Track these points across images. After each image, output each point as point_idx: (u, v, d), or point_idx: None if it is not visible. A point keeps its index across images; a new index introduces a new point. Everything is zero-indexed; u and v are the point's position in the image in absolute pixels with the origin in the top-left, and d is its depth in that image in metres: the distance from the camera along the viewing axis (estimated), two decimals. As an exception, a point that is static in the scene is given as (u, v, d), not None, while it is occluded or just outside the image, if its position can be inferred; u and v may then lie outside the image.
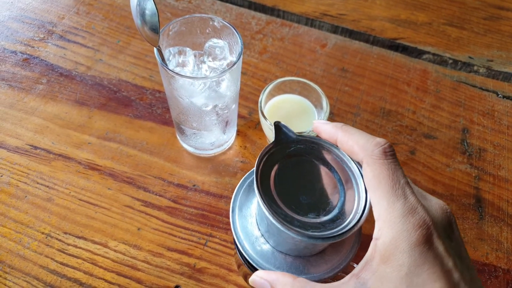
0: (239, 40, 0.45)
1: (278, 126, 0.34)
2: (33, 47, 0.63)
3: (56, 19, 0.67)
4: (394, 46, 0.68)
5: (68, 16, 0.67)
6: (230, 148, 0.55)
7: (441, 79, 0.64)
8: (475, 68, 0.66)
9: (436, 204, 0.27)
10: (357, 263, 0.30)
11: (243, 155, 0.54)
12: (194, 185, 0.51)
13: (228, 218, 0.48)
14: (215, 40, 0.48)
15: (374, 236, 0.27)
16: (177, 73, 0.41)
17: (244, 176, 0.38)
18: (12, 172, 0.50)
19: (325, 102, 0.50)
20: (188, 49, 0.47)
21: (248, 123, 0.58)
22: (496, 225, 0.50)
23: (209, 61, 0.48)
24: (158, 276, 0.44)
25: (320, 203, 0.31)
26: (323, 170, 0.33)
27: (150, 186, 0.50)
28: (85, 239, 0.46)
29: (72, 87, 0.59)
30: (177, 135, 0.54)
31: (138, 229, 0.47)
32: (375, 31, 0.69)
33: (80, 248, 0.45)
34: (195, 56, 0.48)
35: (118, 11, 0.69)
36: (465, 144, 0.57)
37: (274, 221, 0.29)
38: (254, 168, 0.31)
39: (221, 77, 0.43)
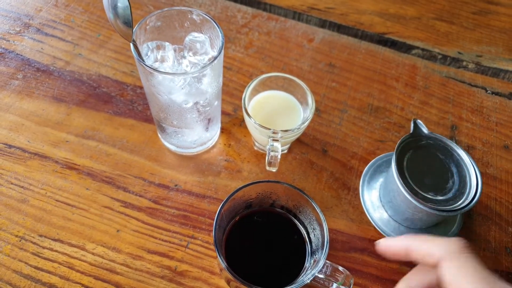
0: (220, 34, 0.43)
1: (415, 122, 0.46)
2: (8, 40, 0.60)
3: (33, 12, 0.64)
4: (382, 41, 0.66)
5: (46, 9, 0.65)
6: (213, 146, 0.53)
7: (430, 75, 0.63)
8: (464, 63, 0.65)
9: None
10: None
11: (227, 154, 0.53)
12: (175, 185, 0.49)
13: (211, 219, 0.47)
14: (195, 34, 0.46)
15: None
16: (154, 69, 0.39)
17: (374, 159, 0.53)
18: (-15, 172, 0.48)
19: (310, 99, 0.49)
20: (167, 43, 0.45)
21: (232, 120, 0.56)
22: (484, 224, 0.49)
23: (190, 56, 0.46)
24: (138, 279, 0.42)
25: (439, 186, 0.43)
26: (445, 163, 0.44)
27: (130, 186, 0.48)
28: (62, 241, 0.44)
29: (50, 83, 0.56)
30: (158, 133, 0.52)
31: (117, 230, 0.45)
32: (364, 25, 0.68)
33: (56, 251, 0.43)
34: (175, 50, 0.47)
35: (98, 3, 0.66)
36: (454, 141, 0.56)
37: (404, 191, 0.41)
38: (394, 151, 0.44)
39: (201, 72, 0.42)
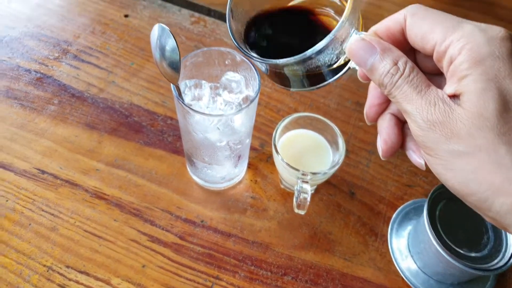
0: (257, 76, 0.44)
1: None
2: (47, 66, 0.62)
3: (72, 38, 0.66)
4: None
5: (83, 36, 0.67)
6: (240, 182, 0.53)
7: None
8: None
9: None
10: None
11: (253, 190, 0.53)
12: (202, 221, 0.49)
13: (236, 259, 0.46)
14: (231, 73, 0.47)
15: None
16: (193, 110, 0.40)
17: (403, 205, 0.52)
18: (18, 198, 0.49)
19: (341, 143, 0.49)
20: (204, 81, 0.46)
21: (259, 155, 0.56)
22: None
23: (225, 94, 0.47)
24: (161, 317, 0.42)
25: (473, 241, 0.42)
26: (479, 216, 0.39)
27: (157, 220, 0.48)
28: (88, 274, 0.44)
29: (84, 109, 0.58)
30: (187, 166, 0.53)
31: (143, 266, 0.45)
32: (393, 65, 0.68)
33: (82, 284, 0.43)
34: (210, 88, 0.47)
35: (133, 32, 0.68)
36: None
37: (436, 245, 0.40)
38: (426, 201, 0.43)
39: (238, 113, 0.42)
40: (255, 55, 0.29)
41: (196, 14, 0.71)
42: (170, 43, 0.37)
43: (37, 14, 0.69)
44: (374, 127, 0.60)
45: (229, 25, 0.30)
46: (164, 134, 0.56)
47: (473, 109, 0.23)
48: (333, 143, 0.51)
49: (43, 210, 0.48)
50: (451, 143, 0.23)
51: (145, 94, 0.60)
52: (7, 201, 0.48)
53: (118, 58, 0.65)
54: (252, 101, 0.42)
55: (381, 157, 0.31)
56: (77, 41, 0.66)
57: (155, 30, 0.36)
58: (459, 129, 0.23)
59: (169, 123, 0.58)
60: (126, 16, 0.70)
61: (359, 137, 0.59)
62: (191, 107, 0.43)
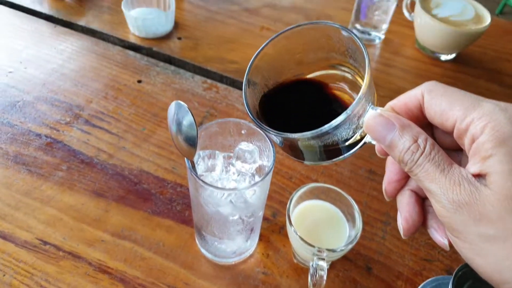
0: (271, 147, 0.43)
1: None
2: (58, 130, 0.62)
3: (84, 103, 0.67)
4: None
5: (96, 100, 0.68)
6: (251, 256, 0.51)
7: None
8: None
9: None
10: None
11: (265, 265, 0.50)
12: (211, 300, 0.46)
13: None
14: (245, 144, 0.46)
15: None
16: (207, 183, 0.39)
17: (423, 283, 0.46)
18: (16, 272, 0.46)
19: (358, 216, 0.47)
20: (217, 152, 0.46)
21: (271, 226, 0.54)
22: None
23: (238, 164, 0.46)
24: None
25: None
26: None
27: (163, 298, 0.45)
28: None
29: (92, 175, 0.57)
30: (196, 239, 0.51)
31: None
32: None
33: None
34: (224, 158, 0.47)
35: (145, 97, 0.69)
36: None
37: None
38: (450, 282, 0.39)
39: (252, 188, 0.41)
40: (270, 128, 0.29)
41: (209, 81, 0.72)
42: (188, 119, 0.36)
43: (52, 79, 0.70)
44: (388, 196, 0.59)
45: (245, 98, 0.31)
46: (173, 203, 0.55)
47: (501, 191, 0.22)
48: (349, 215, 0.49)
49: (41, 286, 0.45)
50: (480, 226, 0.22)
51: (155, 160, 0.60)
52: (4, 275, 0.45)
53: (129, 123, 0.65)
54: (267, 174, 0.41)
55: (402, 236, 0.30)
56: (90, 106, 0.67)
57: (172, 107, 0.36)
58: (488, 211, 0.22)
59: (178, 191, 0.56)
60: (139, 81, 0.72)
61: (374, 207, 0.57)
62: (203, 178, 0.42)
